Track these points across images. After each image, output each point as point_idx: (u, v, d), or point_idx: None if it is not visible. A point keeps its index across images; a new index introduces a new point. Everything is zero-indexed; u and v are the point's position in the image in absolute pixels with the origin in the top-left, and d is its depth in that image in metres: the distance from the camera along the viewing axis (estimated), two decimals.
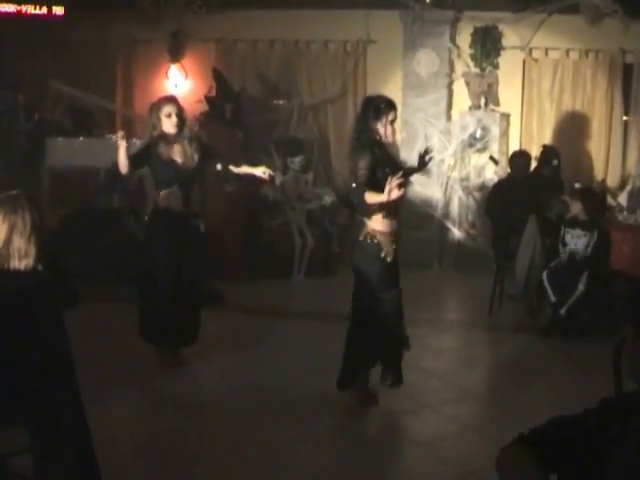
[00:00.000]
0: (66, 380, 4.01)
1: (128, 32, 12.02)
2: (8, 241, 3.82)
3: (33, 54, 11.82)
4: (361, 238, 5.67)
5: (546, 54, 11.31)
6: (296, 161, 10.94)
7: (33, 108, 11.40)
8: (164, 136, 6.49)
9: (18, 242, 3.83)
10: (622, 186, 10.77)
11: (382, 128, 5.70)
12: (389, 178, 5.35)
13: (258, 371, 6.67)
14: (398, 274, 5.86)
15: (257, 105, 11.72)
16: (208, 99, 11.08)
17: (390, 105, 5.79)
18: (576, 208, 8.13)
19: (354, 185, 5.67)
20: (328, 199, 10.90)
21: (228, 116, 10.90)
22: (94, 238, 9.50)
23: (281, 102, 11.91)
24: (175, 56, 12.05)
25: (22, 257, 3.85)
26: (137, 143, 10.75)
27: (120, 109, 12.34)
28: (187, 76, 12.12)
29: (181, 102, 6.80)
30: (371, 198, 5.48)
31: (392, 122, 5.75)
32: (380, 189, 5.43)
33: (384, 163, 5.66)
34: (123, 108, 12.35)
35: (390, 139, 5.80)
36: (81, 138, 11.14)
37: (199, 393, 6.30)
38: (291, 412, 5.77)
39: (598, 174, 11.13)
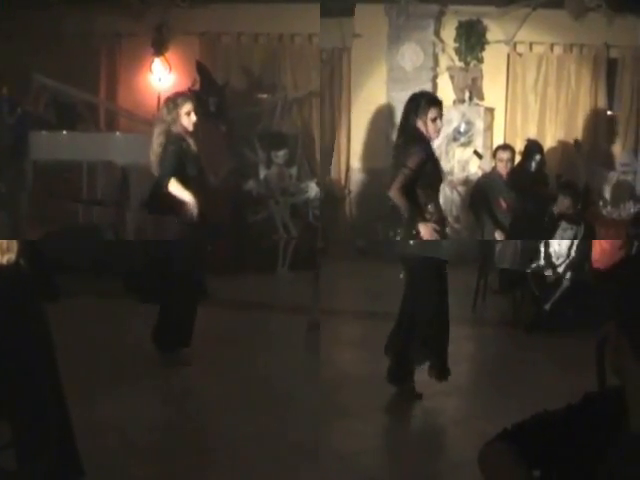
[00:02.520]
0: (49, 375, 4.01)
1: (112, 25, 11.97)
2: None
3: (16, 47, 11.75)
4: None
5: (530, 48, 11.34)
6: (280, 155, 10.91)
7: (16, 102, 11.32)
8: (185, 131, 6.43)
9: None
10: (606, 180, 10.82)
11: (423, 126, 5.66)
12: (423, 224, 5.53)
13: (246, 365, 6.67)
14: None
15: (241, 99, 11.71)
16: (192, 93, 11.04)
17: (431, 102, 5.72)
18: (565, 204, 8.08)
19: (397, 178, 5.57)
20: (312, 193, 10.89)
21: (212, 110, 10.87)
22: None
23: (265, 96, 11.88)
24: (159, 50, 11.99)
25: (4, 252, 3.83)
26: (120, 137, 10.75)
27: (104, 102, 12.29)
28: (171, 70, 12.07)
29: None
30: (396, 196, 5.53)
31: (434, 120, 5.68)
32: (429, 181, 5.61)
33: (432, 159, 5.72)
34: (107, 101, 12.31)
35: (433, 136, 5.74)
36: (65, 132, 11.08)
37: (191, 388, 6.31)
38: (281, 404, 5.79)
39: (582, 168, 11.15)
